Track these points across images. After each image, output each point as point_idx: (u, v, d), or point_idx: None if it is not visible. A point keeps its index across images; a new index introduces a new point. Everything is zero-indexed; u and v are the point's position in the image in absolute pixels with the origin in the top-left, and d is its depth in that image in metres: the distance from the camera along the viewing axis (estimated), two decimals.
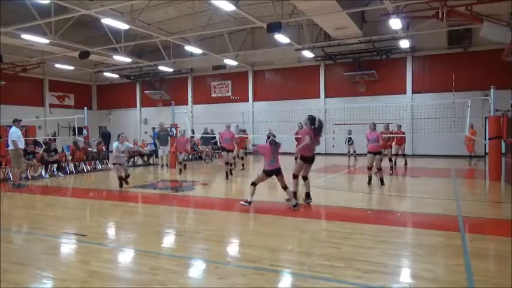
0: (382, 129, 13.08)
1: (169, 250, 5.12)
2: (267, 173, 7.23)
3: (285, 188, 7.20)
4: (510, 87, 14.90)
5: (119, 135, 10.41)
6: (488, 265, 4.45)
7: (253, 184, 7.34)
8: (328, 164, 16.99)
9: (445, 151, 19.28)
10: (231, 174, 12.07)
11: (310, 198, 7.55)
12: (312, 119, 7.51)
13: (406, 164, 15.48)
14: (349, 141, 18.72)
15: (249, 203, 7.21)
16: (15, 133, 10.63)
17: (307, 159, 7.55)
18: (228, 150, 12.01)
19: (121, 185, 10.07)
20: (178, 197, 9.37)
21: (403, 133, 15.35)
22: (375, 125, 10.49)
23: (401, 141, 15.11)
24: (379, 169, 10.09)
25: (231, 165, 11.65)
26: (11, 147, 10.67)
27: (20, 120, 11.07)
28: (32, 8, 14.93)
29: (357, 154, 18.62)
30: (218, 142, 12.07)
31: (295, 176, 7.64)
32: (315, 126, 7.45)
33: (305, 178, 7.64)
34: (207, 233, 5.73)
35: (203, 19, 18.07)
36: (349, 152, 18.99)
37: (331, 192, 9.78)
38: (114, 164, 10.33)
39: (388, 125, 14.18)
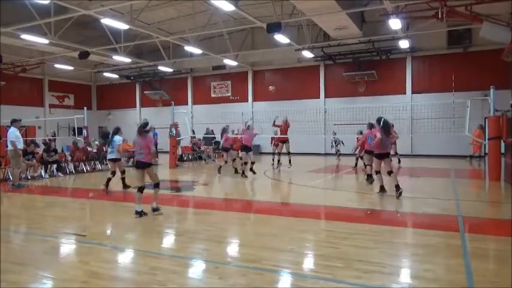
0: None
1: (170, 250, 5.12)
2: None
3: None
4: (510, 87, 14.90)
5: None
6: (488, 265, 4.45)
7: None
8: (327, 164, 16.99)
9: (445, 151, 19.27)
10: (252, 170, 12.29)
11: (400, 189, 8.08)
12: (378, 120, 8.49)
13: (399, 162, 15.55)
14: (335, 142, 17.77)
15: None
16: (13, 133, 10.63)
17: (377, 155, 8.62)
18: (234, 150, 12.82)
19: None
20: (178, 197, 9.37)
21: (395, 132, 15.22)
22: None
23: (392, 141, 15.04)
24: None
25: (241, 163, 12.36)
26: (9, 147, 10.67)
27: (20, 120, 11.06)
28: (32, 8, 14.91)
29: (340, 154, 18.04)
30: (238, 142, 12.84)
31: (376, 172, 8.70)
32: (380, 126, 8.33)
33: (389, 173, 8.33)
34: (207, 233, 5.72)
35: (203, 19, 18.07)
36: (337, 152, 18.32)
37: (330, 192, 9.79)
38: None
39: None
